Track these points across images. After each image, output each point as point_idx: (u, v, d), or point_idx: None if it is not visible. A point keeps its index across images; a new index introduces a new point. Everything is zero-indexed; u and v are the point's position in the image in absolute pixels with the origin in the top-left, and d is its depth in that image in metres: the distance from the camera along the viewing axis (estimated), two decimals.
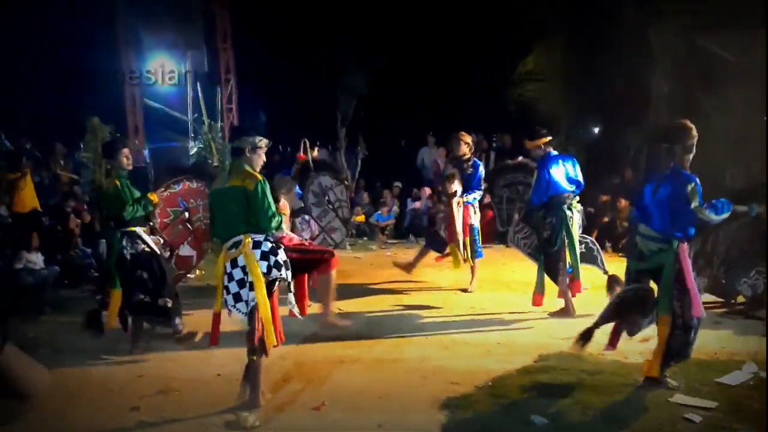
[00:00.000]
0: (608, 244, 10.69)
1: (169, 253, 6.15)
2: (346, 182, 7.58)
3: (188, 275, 6.63)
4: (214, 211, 4.63)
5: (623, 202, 10.76)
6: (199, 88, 12.77)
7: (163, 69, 12.56)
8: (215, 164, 10.45)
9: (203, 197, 6.38)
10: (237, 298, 4.34)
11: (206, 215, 6.28)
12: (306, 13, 14.74)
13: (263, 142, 4.50)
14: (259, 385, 4.41)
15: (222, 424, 4.20)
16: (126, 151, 5.88)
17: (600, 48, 11.58)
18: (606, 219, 11.09)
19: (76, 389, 4.87)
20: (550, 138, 6.68)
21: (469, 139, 7.89)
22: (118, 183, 5.67)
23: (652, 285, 4.69)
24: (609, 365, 5.05)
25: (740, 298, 6.66)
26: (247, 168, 4.40)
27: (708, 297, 6.82)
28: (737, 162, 10.06)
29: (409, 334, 6.13)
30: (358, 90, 14.90)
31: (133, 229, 5.67)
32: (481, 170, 7.84)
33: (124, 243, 5.61)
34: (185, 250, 6.29)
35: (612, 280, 6.45)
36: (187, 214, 6.34)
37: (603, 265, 6.90)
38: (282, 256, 4.38)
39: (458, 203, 7.56)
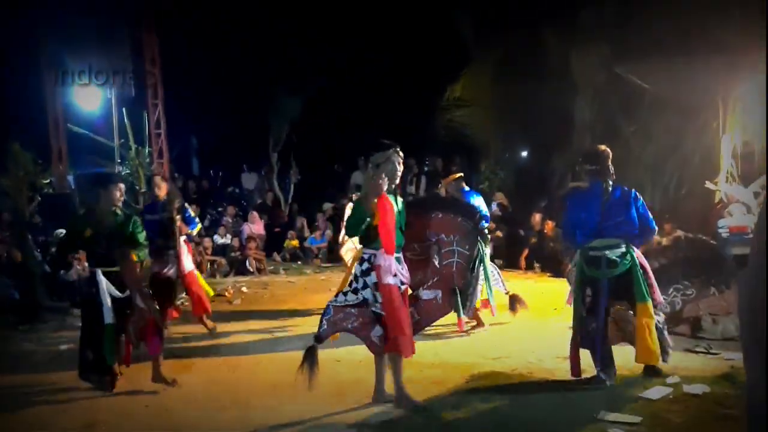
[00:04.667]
0: (537, 264, 10.98)
1: None
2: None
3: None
4: None
5: (549, 224, 11.10)
6: (125, 113, 12.53)
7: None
8: (143, 190, 10.23)
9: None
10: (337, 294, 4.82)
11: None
12: (236, 37, 14.73)
13: (379, 158, 4.59)
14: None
15: None
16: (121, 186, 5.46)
17: (525, 76, 11.99)
18: (534, 240, 11.40)
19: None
20: (461, 174, 7.24)
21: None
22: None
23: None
24: (536, 384, 5.18)
25: None
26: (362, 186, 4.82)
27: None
28: (656, 185, 10.54)
29: (342, 356, 6.12)
30: (290, 114, 14.93)
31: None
32: None
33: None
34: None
35: (513, 299, 6.73)
36: None
37: (504, 285, 7.14)
38: (371, 280, 4.61)
39: None
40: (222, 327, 7.45)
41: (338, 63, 15.07)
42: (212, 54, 14.99)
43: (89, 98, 13.08)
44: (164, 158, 14.20)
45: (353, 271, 4.77)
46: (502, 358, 5.94)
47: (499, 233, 11.90)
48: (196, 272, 7.35)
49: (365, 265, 4.69)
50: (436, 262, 5.60)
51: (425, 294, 4.86)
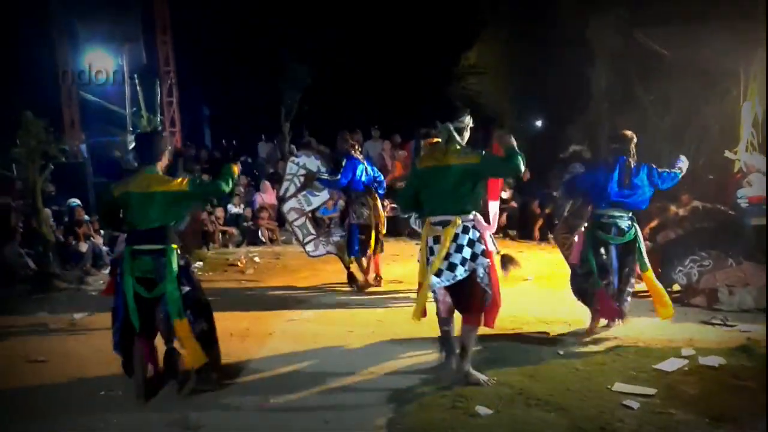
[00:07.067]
0: (550, 236, 10.87)
1: None
2: None
3: None
4: (420, 186, 4.69)
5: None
6: (137, 82, 12.48)
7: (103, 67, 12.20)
8: None
9: None
10: (438, 273, 4.49)
11: None
12: (248, 5, 14.58)
13: (467, 121, 4.66)
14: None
15: (164, 424, 4.12)
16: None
17: (540, 42, 11.77)
18: (548, 210, 11.28)
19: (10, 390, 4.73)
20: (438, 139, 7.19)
21: (348, 137, 7.83)
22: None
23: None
24: (551, 356, 5.15)
25: (676, 287, 6.86)
26: (462, 147, 4.56)
27: (644, 286, 7.04)
28: (673, 154, 10.34)
29: (356, 328, 6.11)
30: (302, 83, 14.81)
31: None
32: (346, 164, 7.61)
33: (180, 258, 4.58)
34: None
35: (504, 259, 6.73)
36: None
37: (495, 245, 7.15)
38: (480, 248, 4.49)
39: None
40: (234, 296, 7.47)
41: (350, 30, 14.89)
42: (224, 23, 14.86)
43: (102, 66, 12.99)
44: (176, 127, 14.17)
45: (455, 243, 4.44)
46: (514, 328, 5.90)
47: (513, 203, 11.81)
48: None
49: (474, 233, 4.48)
50: None
51: None
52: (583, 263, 5.66)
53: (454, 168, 4.48)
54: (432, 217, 4.59)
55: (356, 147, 7.81)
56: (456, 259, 4.46)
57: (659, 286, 5.62)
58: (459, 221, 4.47)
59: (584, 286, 5.69)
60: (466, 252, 4.46)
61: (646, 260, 5.59)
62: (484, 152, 4.57)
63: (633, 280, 5.69)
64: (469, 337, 4.59)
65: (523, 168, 4.45)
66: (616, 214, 5.54)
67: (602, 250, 5.57)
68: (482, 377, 4.57)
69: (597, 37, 11.22)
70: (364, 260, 7.74)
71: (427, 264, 4.57)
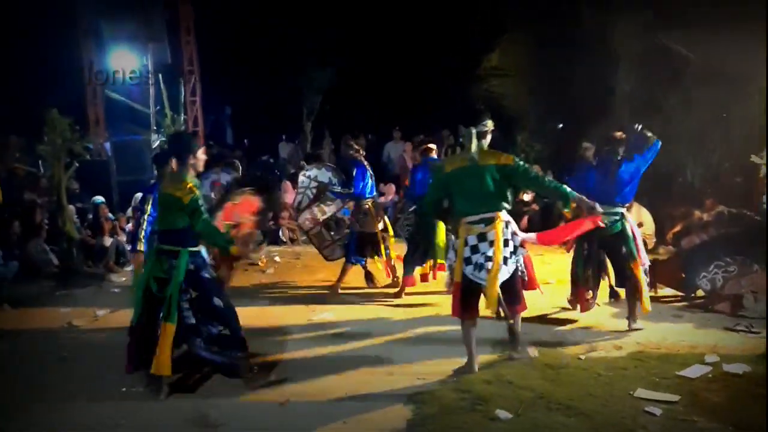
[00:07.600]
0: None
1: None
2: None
3: None
4: (450, 189, 4.89)
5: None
6: (161, 81, 12.57)
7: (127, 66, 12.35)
8: None
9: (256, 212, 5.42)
10: (479, 267, 4.66)
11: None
12: (271, 6, 14.64)
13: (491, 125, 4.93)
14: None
15: (184, 421, 4.15)
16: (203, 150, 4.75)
17: (563, 45, 11.70)
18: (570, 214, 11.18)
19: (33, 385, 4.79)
20: (430, 145, 7.66)
21: (352, 142, 7.93)
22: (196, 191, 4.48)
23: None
24: (571, 360, 5.11)
25: (700, 292, 6.78)
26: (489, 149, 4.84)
27: (669, 291, 6.98)
28: (697, 159, 10.24)
29: (375, 330, 6.11)
30: (324, 84, 14.82)
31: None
32: (357, 172, 7.59)
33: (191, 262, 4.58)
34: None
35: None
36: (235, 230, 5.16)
37: None
38: (518, 239, 4.84)
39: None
40: (254, 295, 7.51)
41: (373, 32, 14.90)
42: (247, 23, 14.94)
43: (126, 65, 13.11)
44: (199, 126, 14.26)
45: (503, 237, 4.67)
46: (535, 333, 5.86)
47: (535, 206, 11.74)
48: None
49: (512, 227, 4.82)
50: None
51: None
52: (574, 253, 6.29)
53: (490, 168, 4.72)
54: (471, 216, 4.76)
55: (360, 152, 7.80)
56: (507, 252, 4.71)
57: (642, 280, 5.82)
58: (502, 216, 4.73)
59: (574, 272, 6.26)
60: (511, 245, 4.76)
61: (634, 252, 5.84)
62: (514, 156, 4.84)
63: (631, 271, 5.84)
64: (518, 322, 5.05)
65: (554, 191, 4.85)
66: (605, 210, 5.65)
67: (585, 245, 6.09)
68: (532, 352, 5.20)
69: (620, 39, 11.13)
70: (378, 263, 7.84)
71: (467, 264, 4.72)
